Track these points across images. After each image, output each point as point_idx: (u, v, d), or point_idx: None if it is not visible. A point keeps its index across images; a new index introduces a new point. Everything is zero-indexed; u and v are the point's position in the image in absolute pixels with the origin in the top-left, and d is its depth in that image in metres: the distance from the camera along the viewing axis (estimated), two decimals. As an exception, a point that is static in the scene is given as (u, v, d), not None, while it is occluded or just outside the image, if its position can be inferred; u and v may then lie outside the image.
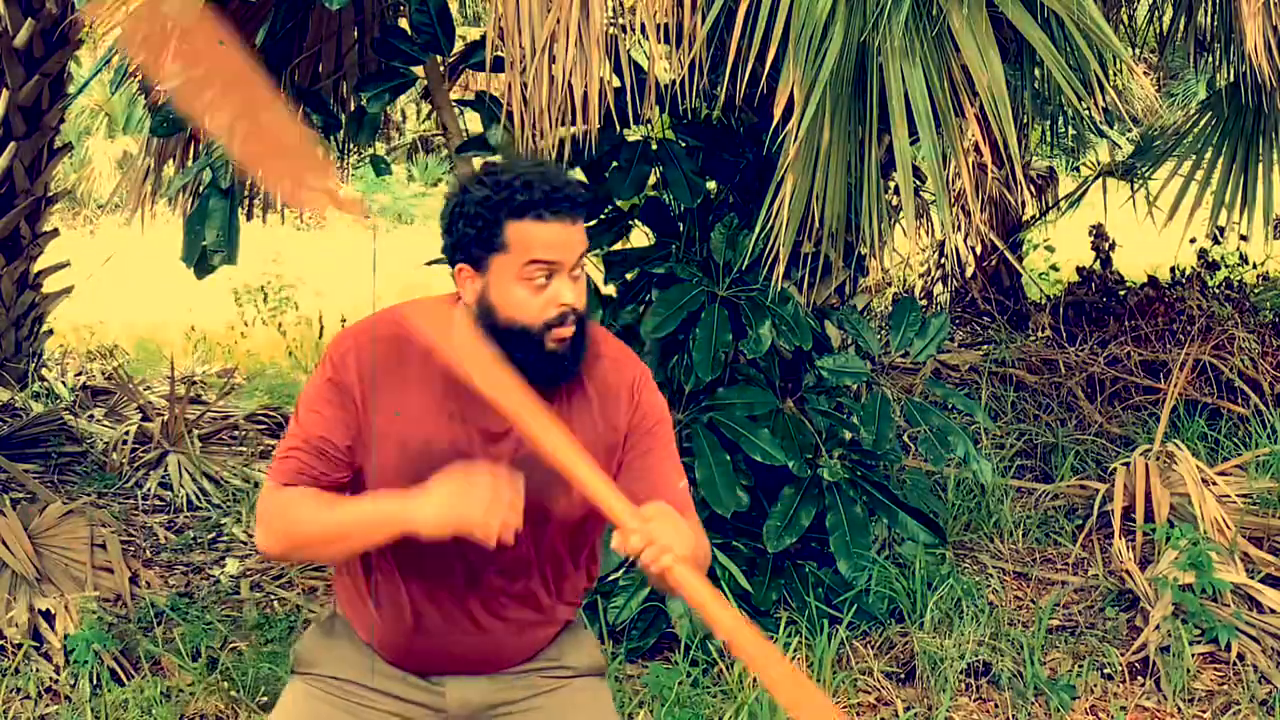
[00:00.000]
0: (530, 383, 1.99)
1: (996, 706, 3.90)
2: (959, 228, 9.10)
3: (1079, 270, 8.63)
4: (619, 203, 4.73)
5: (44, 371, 7.22)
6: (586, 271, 2.09)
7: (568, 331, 2.01)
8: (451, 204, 2.04)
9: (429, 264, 4.79)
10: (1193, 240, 7.88)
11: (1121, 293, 7.99)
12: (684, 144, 4.61)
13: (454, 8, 6.51)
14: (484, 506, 1.89)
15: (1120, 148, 9.17)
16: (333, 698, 2.20)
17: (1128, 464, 5.02)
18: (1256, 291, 8.27)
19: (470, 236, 2.00)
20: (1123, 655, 4.15)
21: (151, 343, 9.79)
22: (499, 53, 3.98)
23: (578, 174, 4.77)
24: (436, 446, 2.03)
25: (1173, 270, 8.29)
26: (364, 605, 2.17)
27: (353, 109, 4.93)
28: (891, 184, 4.83)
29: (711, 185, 4.72)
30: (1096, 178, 7.82)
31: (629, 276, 4.66)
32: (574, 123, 3.93)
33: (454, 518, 1.90)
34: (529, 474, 1.98)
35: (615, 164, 4.52)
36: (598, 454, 2.04)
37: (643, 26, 3.94)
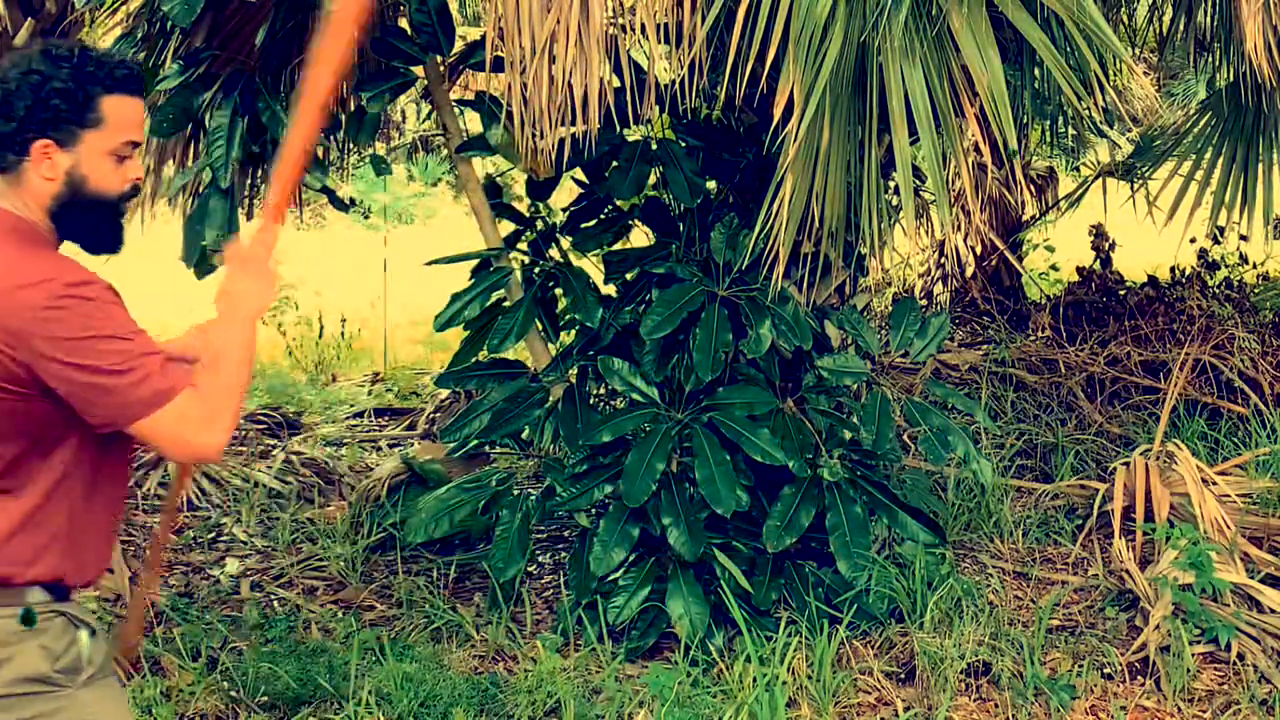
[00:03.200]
0: (96, 250, 2.20)
1: (996, 706, 3.90)
2: (959, 228, 9.09)
3: (1079, 270, 8.62)
4: (619, 203, 4.73)
5: (44, 371, 7.21)
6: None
7: (133, 202, 2.22)
8: (22, 79, 2.07)
9: (429, 264, 4.81)
10: (1193, 240, 7.87)
11: (1121, 293, 7.98)
12: (684, 144, 4.61)
13: (454, 8, 6.51)
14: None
15: (1120, 148, 9.17)
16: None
17: (1128, 464, 5.02)
18: (1256, 291, 8.26)
19: (60, 111, 2.07)
20: (1123, 655, 4.15)
21: (151, 343, 9.77)
22: (499, 53, 3.98)
23: (577, 173, 4.78)
24: None
25: (1173, 270, 8.28)
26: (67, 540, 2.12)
27: (353, 109, 4.93)
28: (891, 184, 4.83)
29: (711, 185, 4.73)
30: (1096, 178, 7.82)
31: (629, 276, 4.66)
32: (574, 123, 3.93)
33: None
34: None
35: (615, 164, 4.53)
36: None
37: (643, 26, 3.94)
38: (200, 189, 4.63)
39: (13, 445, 2.05)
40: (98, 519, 2.16)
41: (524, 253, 4.80)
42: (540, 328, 4.71)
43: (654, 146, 4.53)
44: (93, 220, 2.14)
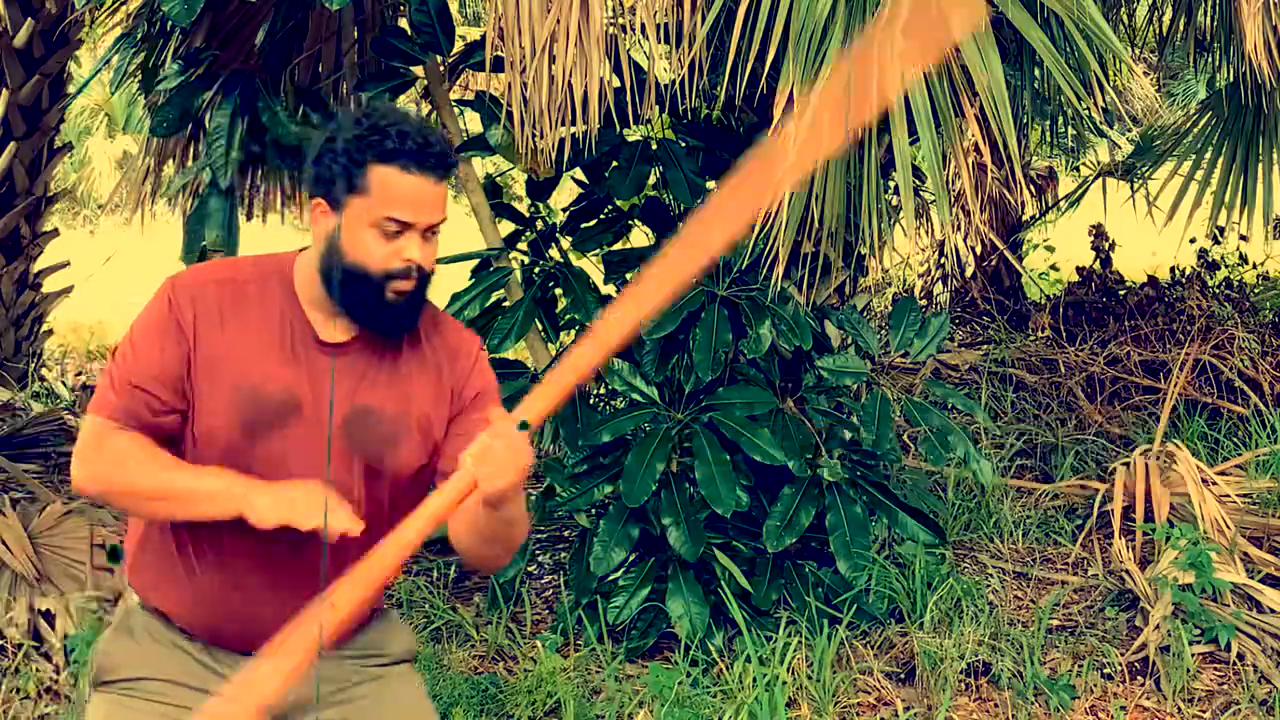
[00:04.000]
0: (364, 329, 2.06)
1: (996, 706, 3.90)
2: (959, 228, 9.09)
3: (1079, 270, 8.63)
4: (619, 203, 4.73)
5: (44, 371, 7.22)
6: (435, 242, 2.08)
7: (407, 285, 2.04)
8: (323, 138, 2.05)
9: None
10: (1193, 240, 7.88)
11: (1121, 293, 7.98)
12: (684, 144, 4.61)
13: (454, 8, 6.51)
14: (317, 511, 1.93)
15: (1120, 148, 9.17)
16: (147, 703, 2.11)
17: (1128, 464, 5.02)
18: (1256, 291, 8.27)
19: (334, 173, 2.02)
20: (1123, 655, 4.15)
21: (151, 343, 9.77)
22: (499, 53, 3.98)
23: (577, 173, 4.78)
24: (268, 388, 2.03)
25: (1173, 270, 8.29)
26: (176, 579, 2.10)
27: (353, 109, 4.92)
28: (891, 184, 4.83)
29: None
30: (1096, 178, 7.82)
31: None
32: (574, 123, 3.93)
33: (288, 514, 1.93)
34: (365, 429, 2.05)
35: (615, 164, 4.52)
36: (434, 412, 2.11)
37: (643, 26, 3.94)
38: (200, 189, 4.63)
39: None
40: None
41: (524, 253, 4.80)
42: (540, 328, 4.71)
43: (654, 146, 4.53)
44: (355, 293, 2.03)
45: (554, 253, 4.80)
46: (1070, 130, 7.36)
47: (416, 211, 2.00)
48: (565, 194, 5.01)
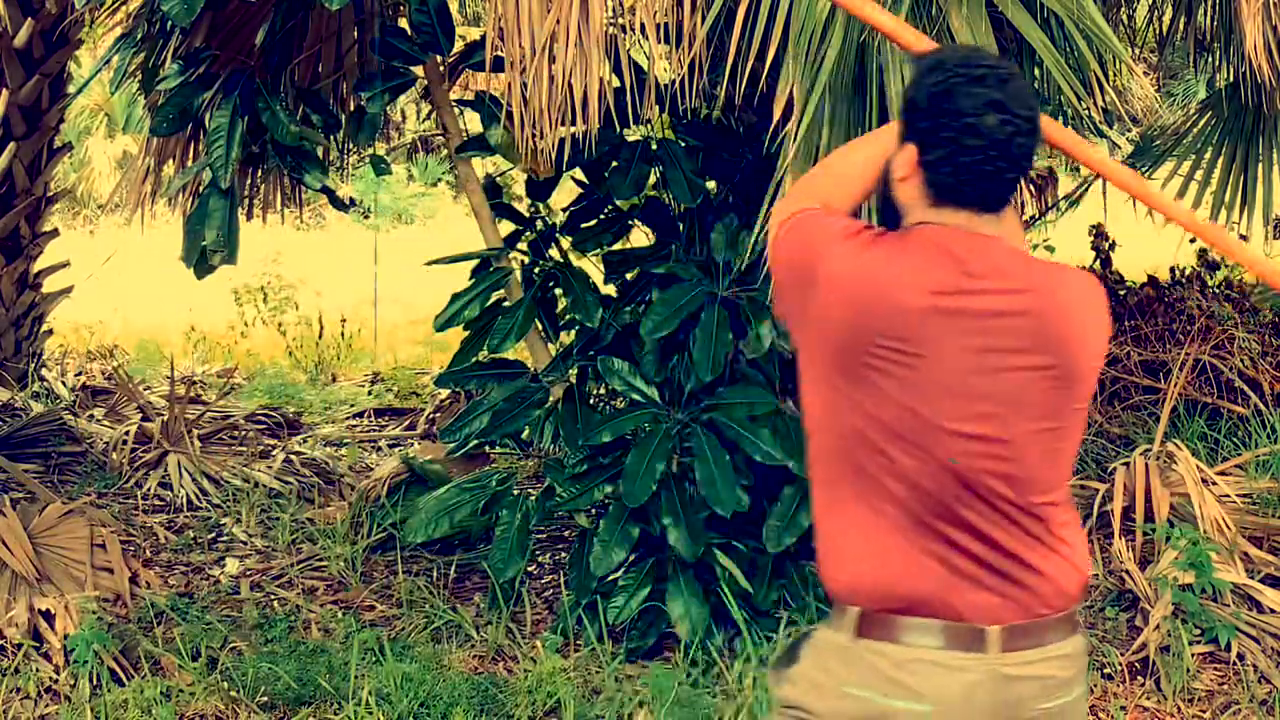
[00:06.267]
0: None
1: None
2: (959, 228, 9.07)
3: (1079, 270, 8.61)
4: (619, 203, 4.73)
5: (44, 371, 7.22)
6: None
7: None
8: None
9: (429, 264, 4.81)
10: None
11: (1121, 293, 7.97)
12: (684, 144, 4.61)
13: (454, 8, 6.51)
14: None
15: (1120, 148, 9.17)
16: None
17: (1128, 464, 5.02)
18: (1256, 291, 8.26)
19: None
20: (1123, 655, 4.15)
21: (151, 343, 9.79)
22: (499, 53, 3.98)
23: (577, 173, 4.78)
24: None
25: (1173, 270, 8.28)
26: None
27: (353, 109, 4.93)
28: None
29: (711, 185, 4.72)
30: (1096, 178, 7.81)
31: (629, 276, 4.66)
32: (574, 123, 3.93)
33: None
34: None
35: (615, 164, 4.52)
36: None
37: (643, 26, 3.94)
38: (200, 189, 4.63)
39: None
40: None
41: (524, 253, 4.80)
42: (540, 328, 4.71)
43: (654, 146, 4.53)
44: None
45: (554, 253, 4.80)
46: (1070, 130, 7.35)
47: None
48: (565, 194, 5.01)
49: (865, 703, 1.87)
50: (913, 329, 1.86)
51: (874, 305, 1.88)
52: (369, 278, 10.66)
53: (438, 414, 7.10)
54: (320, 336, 9.19)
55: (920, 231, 1.95)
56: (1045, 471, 1.91)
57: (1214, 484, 4.93)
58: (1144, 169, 6.96)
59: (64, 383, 7.30)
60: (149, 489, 5.76)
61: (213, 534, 5.42)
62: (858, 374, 1.88)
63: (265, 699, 3.85)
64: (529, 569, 4.87)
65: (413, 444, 6.70)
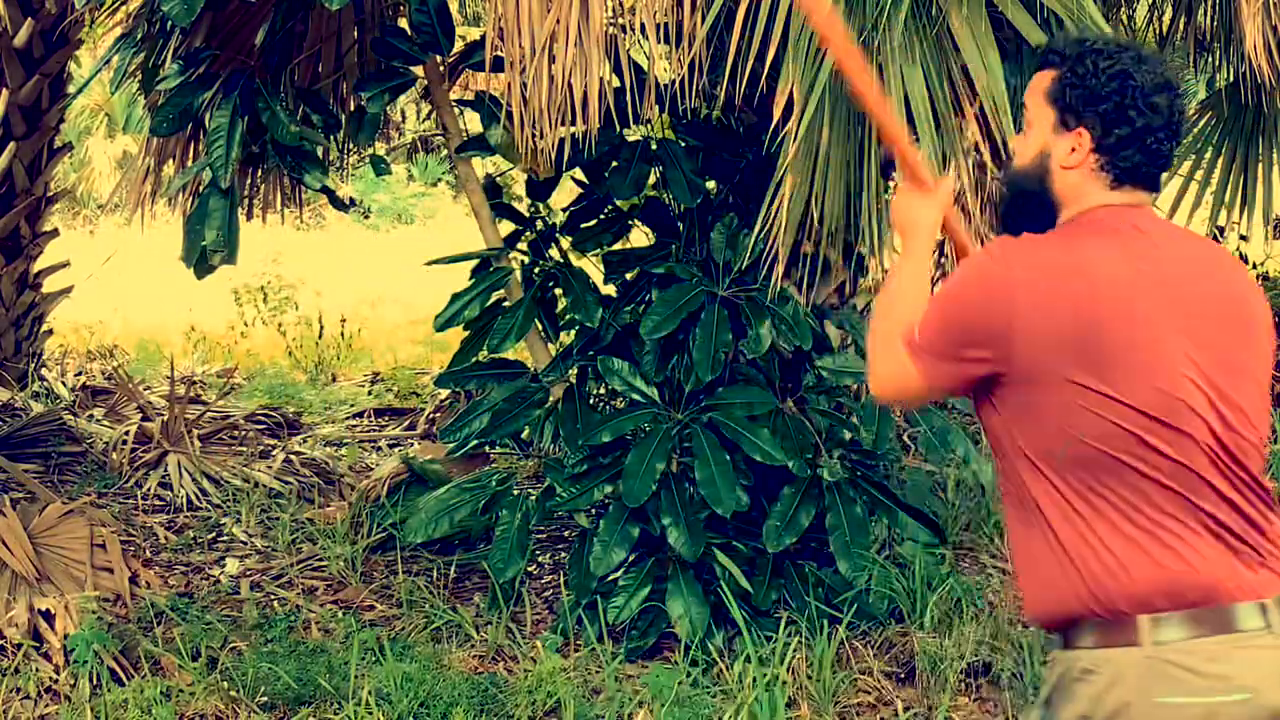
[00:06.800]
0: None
1: (996, 706, 3.90)
2: (959, 228, 9.08)
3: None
4: (619, 203, 4.73)
5: (44, 371, 7.22)
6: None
7: None
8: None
9: (429, 264, 4.81)
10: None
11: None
12: (684, 144, 4.61)
13: (454, 8, 6.51)
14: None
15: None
16: None
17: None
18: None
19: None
20: None
21: (151, 343, 9.79)
22: (499, 53, 3.98)
23: (577, 173, 4.78)
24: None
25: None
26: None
27: (353, 109, 4.93)
28: (891, 184, 4.82)
29: (711, 185, 4.72)
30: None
31: (629, 276, 4.66)
32: (574, 123, 3.93)
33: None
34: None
35: (615, 164, 4.53)
36: None
37: (643, 26, 3.94)
38: (200, 189, 4.63)
39: None
40: None
41: (524, 253, 4.80)
42: (540, 328, 4.72)
43: (654, 146, 4.53)
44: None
45: (554, 253, 4.80)
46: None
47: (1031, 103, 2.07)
48: (565, 194, 5.02)
49: (1182, 709, 1.80)
50: (1137, 308, 1.85)
51: (1090, 292, 1.84)
52: (369, 278, 10.66)
53: (438, 414, 7.10)
54: (320, 336, 9.19)
55: (1103, 213, 1.93)
56: (1262, 437, 1.92)
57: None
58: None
59: (64, 383, 7.30)
60: (149, 489, 5.75)
61: (213, 534, 5.42)
62: (1100, 367, 1.83)
63: (265, 699, 3.85)
64: (529, 569, 4.87)
65: (413, 444, 6.70)
